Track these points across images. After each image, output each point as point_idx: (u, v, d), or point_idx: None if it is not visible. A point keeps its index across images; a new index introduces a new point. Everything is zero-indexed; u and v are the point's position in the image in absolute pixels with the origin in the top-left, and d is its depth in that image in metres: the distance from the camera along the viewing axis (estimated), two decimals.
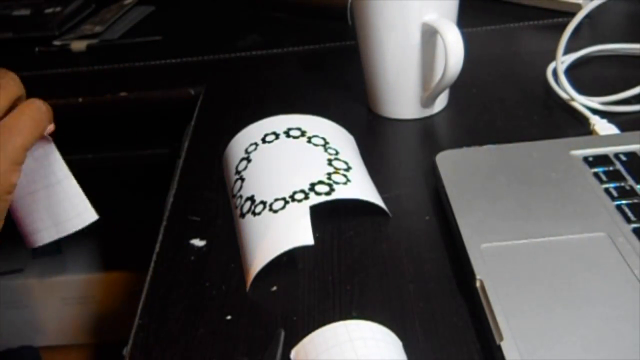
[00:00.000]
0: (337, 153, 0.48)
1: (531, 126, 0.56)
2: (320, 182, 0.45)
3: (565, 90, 0.57)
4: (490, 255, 0.39)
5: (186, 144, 0.60)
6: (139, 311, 0.42)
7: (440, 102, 0.59)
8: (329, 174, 0.46)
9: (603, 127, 0.52)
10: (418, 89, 0.57)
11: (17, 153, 0.40)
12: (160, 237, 0.49)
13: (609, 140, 0.49)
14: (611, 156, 0.46)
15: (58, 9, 0.92)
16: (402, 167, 0.53)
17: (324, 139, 0.50)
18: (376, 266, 0.43)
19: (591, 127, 0.53)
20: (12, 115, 0.40)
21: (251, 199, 0.46)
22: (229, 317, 0.41)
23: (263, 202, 0.45)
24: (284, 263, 0.44)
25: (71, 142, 0.79)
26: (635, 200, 0.42)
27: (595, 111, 0.55)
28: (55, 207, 0.45)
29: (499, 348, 0.33)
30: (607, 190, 0.43)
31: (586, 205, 0.42)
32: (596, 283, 0.36)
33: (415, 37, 0.54)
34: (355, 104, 0.62)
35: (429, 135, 0.57)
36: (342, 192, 0.44)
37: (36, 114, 0.41)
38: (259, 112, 0.53)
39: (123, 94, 0.72)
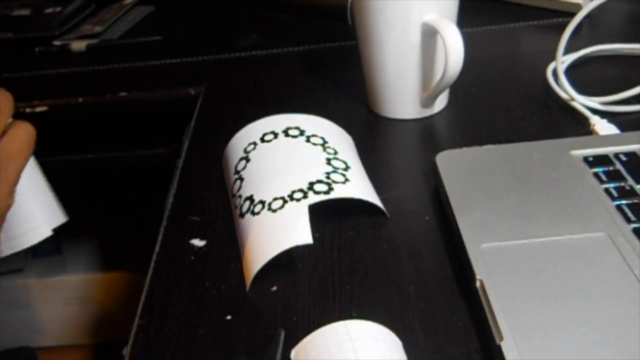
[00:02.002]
0: (335, 153, 0.48)
1: (531, 126, 0.56)
2: (319, 181, 0.45)
3: (565, 90, 0.57)
4: (490, 255, 0.39)
5: (186, 144, 0.60)
6: (139, 311, 0.42)
7: (440, 102, 0.59)
8: (328, 173, 0.46)
9: (603, 127, 0.52)
10: (418, 89, 0.57)
11: (15, 177, 0.42)
12: (160, 237, 0.49)
13: (609, 140, 0.49)
14: (611, 156, 0.46)
15: (58, 9, 0.92)
16: (402, 167, 0.53)
17: (322, 138, 0.50)
18: (376, 266, 0.43)
19: (591, 127, 0.53)
20: (9, 140, 0.42)
21: (250, 198, 0.46)
22: (229, 317, 0.41)
23: (262, 202, 0.45)
24: (284, 263, 0.44)
25: (71, 142, 0.80)
26: (635, 200, 0.42)
27: (595, 111, 0.55)
28: (9, 221, 0.45)
29: (499, 348, 0.33)
30: (607, 190, 0.43)
31: (586, 205, 0.42)
32: (596, 283, 0.36)
33: (415, 37, 0.54)
34: (355, 104, 0.62)
35: (429, 135, 0.57)
36: (340, 191, 0.44)
37: (29, 137, 0.43)
38: (259, 112, 0.53)
39: (123, 94, 0.72)
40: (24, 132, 0.42)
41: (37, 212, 0.45)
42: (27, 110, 0.71)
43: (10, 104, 0.43)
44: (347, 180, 0.46)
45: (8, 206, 0.42)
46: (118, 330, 1.04)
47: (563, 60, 0.61)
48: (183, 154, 0.59)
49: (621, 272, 0.37)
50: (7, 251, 0.46)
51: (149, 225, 0.57)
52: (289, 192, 0.44)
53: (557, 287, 0.36)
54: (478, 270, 0.38)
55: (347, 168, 0.47)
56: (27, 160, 0.43)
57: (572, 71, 0.61)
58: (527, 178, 0.45)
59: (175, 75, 0.75)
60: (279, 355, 0.37)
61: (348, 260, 0.44)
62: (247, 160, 0.49)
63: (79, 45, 0.84)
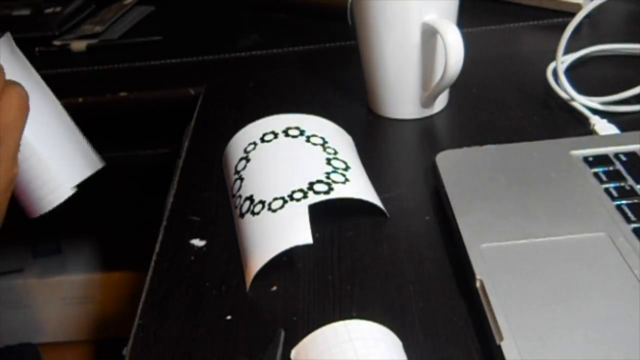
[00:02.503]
0: (335, 153, 0.48)
1: (531, 126, 0.56)
2: (319, 181, 0.45)
3: (565, 90, 0.57)
4: (490, 255, 0.39)
5: (186, 144, 0.60)
6: (139, 311, 0.42)
7: (440, 102, 0.59)
8: (328, 173, 0.46)
9: (603, 127, 0.52)
10: (418, 89, 0.57)
11: (15, 146, 0.42)
12: (160, 237, 0.49)
13: (609, 140, 0.49)
14: (611, 156, 0.46)
15: (58, 9, 0.92)
16: (402, 167, 0.53)
17: (322, 138, 0.50)
18: (376, 266, 0.43)
19: (591, 127, 0.53)
20: (5, 110, 0.41)
21: (250, 198, 0.46)
22: (229, 317, 0.41)
23: (262, 202, 0.45)
24: (284, 263, 0.44)
25: None
26: (635, 200, 0.42)
27: (595, 111, 0.55)
28: (27, 185, 0.44)
29: (499, 348, 0.33)
30: (607, 190, 0.43)
31: (586, 205, 0.42)
32: (596, 283, 0.36)
33: (415, 37, 0.54)
34: (355, 104, 0.62)
35: (429, 135, 0.57)
36: (340, 191, 0.44)
37: (23, 103, 0.42)
38: (259, 112, 0.53)
39: (123, 94, 0.72)
40: (19, 99, 0.42)
41: (54, 172, 0.45)
42: None
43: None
44: (347, 180, 0.46)
45: (14, 175, 0.42)
46: (118, 329, 1.04)
47: (563, 60, 0.61)
48: (183, 154, 0.59)
49: (621, 272, 0.37)
50: (31, 215, 0.45)
51: (149, 225, 0.57)
52: (289, 192, 0.44)
53: (557, 287, 0.36)
54: (478, 270, 0.38)
55: (347, 168, 0.47)
56: (23, 126, 0.42)
57: (572, 71, 0.61)
58: (527, 178, 0.45)
59: (175, 75, 0.75)
60: (279, 355, 0.37)
61: (348, 260, 0.44)
62: (247, 160, 0.49)
63: (79, 45, 0.84)
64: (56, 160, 0.45)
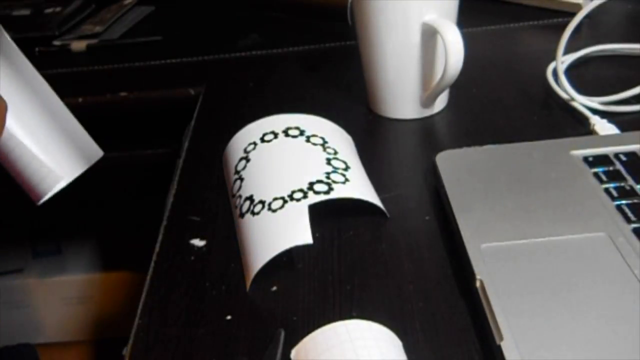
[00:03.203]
0: (335, 153, 0.48)
1: (531, 126, 0.56)
2: (319, 182, 0.45)
3: (565, 90, 0.57)
4: (490, 255, 0.39)
5: (186, 144, 0.60)
6: (139, 311, 0.42)
7: (440, 102, 0.59)
8: (328, 173, 0.46)
9: (603, 127, 0.52)
10: (418, 89, 0.57)
11: None
12: (160, 237, 0.49)
13: (609, 140, 0.49)
14: (611, 156, 0.46)
15: (58, 9, 0.92)
16: (402, 167, 0.53)
17: (322, 138, 0.50)
18: (376, 266, 0.43)
19: (591, 127, 0.53)
20: None
21: (250, 198, 0.46)
22: (229, 317, 0.41)
23: (262, 202, 0.45)
24: (284, 263, 0.44)
25: None
26: (635, 200, 0.42)
27: (595, 111, 0.55)
28: (21, 174, 0.42)
29: (499, 348, 0.33)
30: (607, 190, 0.43)
31: (586, 205, 0.42)
32: (596, 283, 0.36)
33: (415, 37, 0.54)
34: (355, 104, 0.62)
35: (429, 135, 0.57)
36: (340, 192, 0.44)
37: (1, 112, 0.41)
38: (259, 112, 0.53)
39: (123, 94, 0.72)
40: None
41: (41, 159, 0.43)
42: None
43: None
44: (347, 180, 0.46)
45: None
46: (118, 330, 1.04)
47: (563, 60, 0.61)
48: (183, 154, 0.59)
49: (621, 272, 0.37)
50: (36, 198, 0.43)
51: (149, 225, 0.57)
52: (289, 192, 0.44)
53: (557, 287, 0.36)
54: (478, 270, 0.38)
55: (347, 168, 0.47)
56: None
57: (572, 71, 0.61)
58: (527, 178, 0.45)
59: (175, 75, 0.75)
60: (279, 355, 0.37)
61: (348, 260, 0.44)
62: (247, 160, 0.49)
63: (79, 45, 0.84)
64: (44, 149, 0.44)
